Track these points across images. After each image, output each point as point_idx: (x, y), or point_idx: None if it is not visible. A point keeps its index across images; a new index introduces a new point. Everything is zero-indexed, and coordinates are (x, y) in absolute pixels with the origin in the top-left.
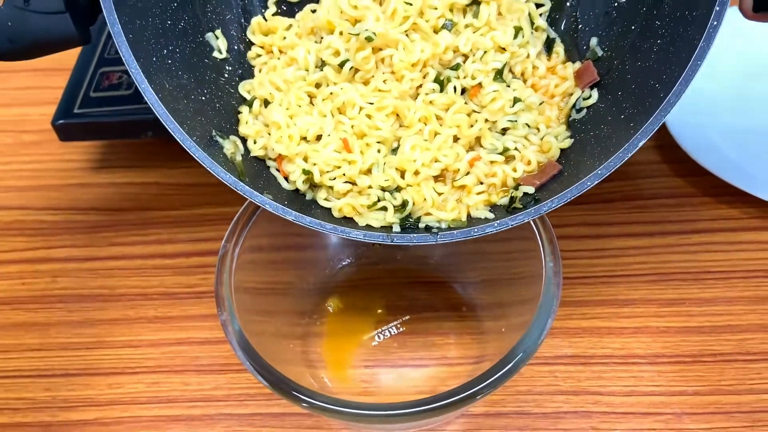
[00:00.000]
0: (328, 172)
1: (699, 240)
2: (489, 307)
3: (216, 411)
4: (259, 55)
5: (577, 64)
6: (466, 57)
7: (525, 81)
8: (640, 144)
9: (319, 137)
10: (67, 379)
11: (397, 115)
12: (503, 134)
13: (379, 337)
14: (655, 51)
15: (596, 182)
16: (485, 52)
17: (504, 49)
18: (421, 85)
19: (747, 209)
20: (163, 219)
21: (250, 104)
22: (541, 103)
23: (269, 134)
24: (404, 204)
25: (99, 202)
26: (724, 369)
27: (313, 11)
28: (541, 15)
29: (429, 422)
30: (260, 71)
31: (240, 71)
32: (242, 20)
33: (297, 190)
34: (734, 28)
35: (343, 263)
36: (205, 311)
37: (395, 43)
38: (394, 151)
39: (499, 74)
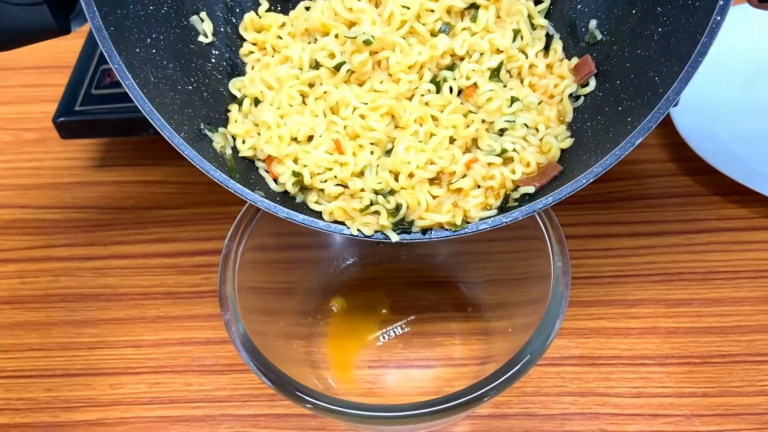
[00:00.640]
0: (318, 174)
1: (707, 240)
2: (495, 307)
3: (219, 412)
4: (251, 52)
5: (574, 60)
6: (462, 59)
7: (522, 80)
8: (637, 142)
9: (310, 138)
10: (68, 379)
11: (392, 116)
12: (501, 135)
13: (383, 337)
14: (655, 39)
15: (591, 180)
16: (481, 54)
17: (501, 51)
18: (417, 87)
19: (756, 208)
20: (165, 218)
21: (240, 102)
22: (539, 103)
23: (259, 134)
24: (398, 207)
25: (100, 201)
26: (733, 370)
27: (307, 8)
28: (540, 12)
29: (435, 424)
30: (252, 68)
31: (227, 54)
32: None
33: (287, 192)
34: (743, 26)
35: (347, 263)
36: (208, 311)
37: (392, 46)
38: (388, 153)
39: (495, 73)
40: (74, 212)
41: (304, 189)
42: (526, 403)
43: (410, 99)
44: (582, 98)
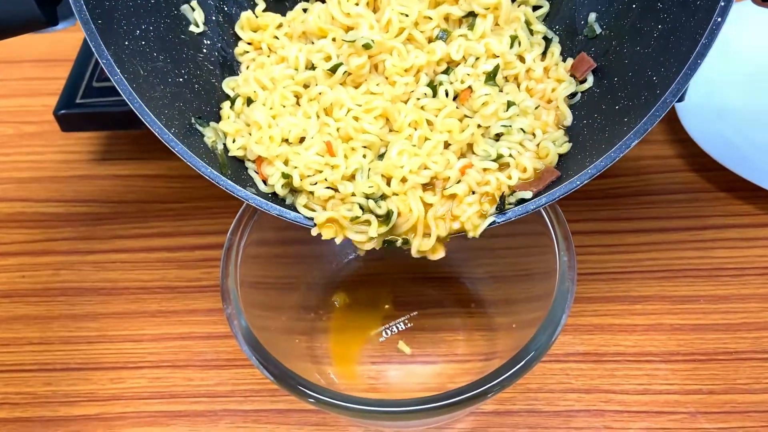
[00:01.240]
0: (309, 176)
1: (712, 236)
2: (499, 303)
3: (220, 407)
4: (246, 52)
5: (570, 61)
6: (459, 65)
7: (519, 85)
8: (633, 144)
9: (302, 140)
10: (68, 373)
11: (387, 119)
12: (497, 140)
13: (386, 332)
14: (655, 37)
15: (586, 181)
16: (477, 58)
17: (498, 56)
18: (413, 91)
19: (762, 205)
20: (166, 211)
21: (232, 101)
22: (536, 107)
23: (250, 134)
24: (389, 214)
25: (101, 194)
26: (739, 367)
27: (305, 10)
28: (538, 17)
29: (438, 420)
30: (247, 68)
31: (219, 44)
32: None
33: (276, 194)
34: (750, 22)
35: (350, 257)
36: (209, 305)
37: (390, 50)
38: (382, 157)
39: (490, 77)
40: (75, 206)
41: (293, 191)
42: (530, 400)
43: (406, 103)
44: (579, 95)
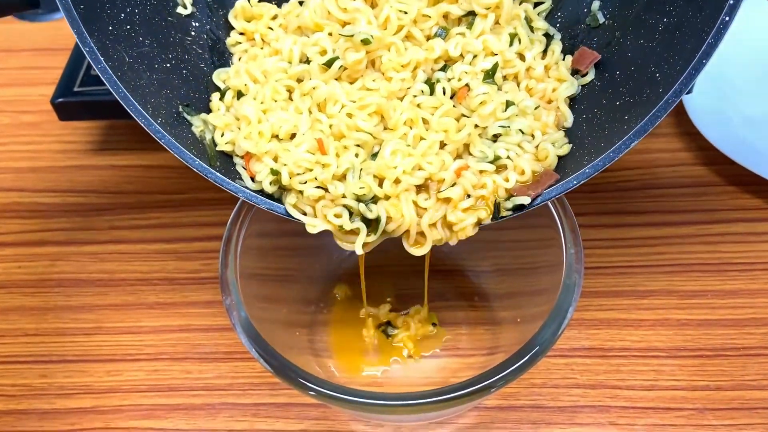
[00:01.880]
0: (298, 174)
1: (721, 230)
2: (503, 296)
3: (218, 400)
4: (238, 42)
5: (569, 59)
6: (456, 62)
7: (518, 84)
8: (633, 144)
9: (293, 136)
10: (64, 365)
11: (382, 117)
12: (495, 141)
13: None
14: (660, 30)
15: (582, 181)
16: (475, 56)
17: (496, 53)
18: (410, 87)
19: None
20: (165, 202)
21: (222, 93)
22: (536, 108)
23: (239, 128)
24: (377, 220)
25: (99, 185)
26: (747, 363)
27: (300, 3)
28: (540, 14)
29: (441, 414)
30: (239, 59)
31: (208, 26)
32: None
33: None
34: (759, 13)
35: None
36: (208, 297)
37: (388, 46)
38: (375, 156)
39: (489, 75)
40: (72, 196)
41: (282, 189)
42: (535, 395)
43: (402, 100)
44: (579, 88)
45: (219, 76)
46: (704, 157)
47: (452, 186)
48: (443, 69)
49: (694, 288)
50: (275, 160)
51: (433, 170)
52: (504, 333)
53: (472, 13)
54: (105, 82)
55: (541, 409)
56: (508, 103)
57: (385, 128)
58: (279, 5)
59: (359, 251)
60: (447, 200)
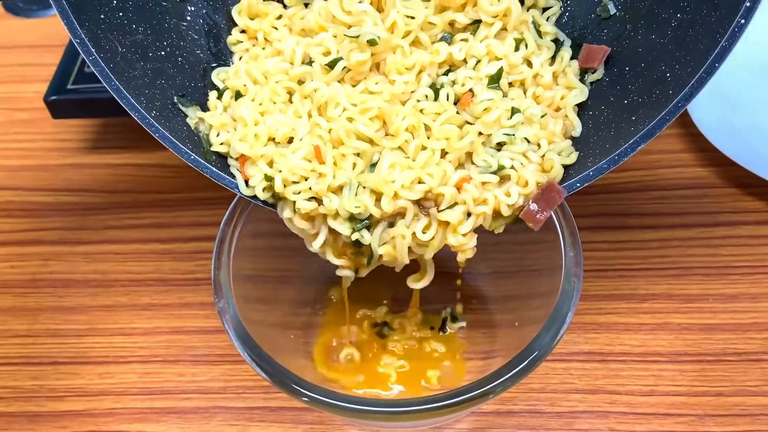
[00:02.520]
0: (293, 182)
1: (722, 233)
2: (501, 299)
3: (211, 404)
4: (240, 41)
5: (575, 65)
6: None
7: (525, 91)
8: (639, 148)
9: (291, 140)
10: (55, 367)
11: (384, 122)
12: (499, 150)
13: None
14: (672, 26)
15: (587, 183)
16: (479, 60)
17: (501, 58)
18: (414, 91)
19: None
20: (160, 202)
21: (220, 93)
22: (543, 116)
23: (235, 129)
24: (372, 255)
25: (93, 184)
26: (749, 369)
27: (306, 5)
28: (548, 19)
29: (438, 421)
30: (240, 59)
31: (204, 10)
32: None
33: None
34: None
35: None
36: (202, 299)
37: (394, 49)
38: (374, 165)
39: (494, 80)
40: (65, 195)
41: (276, 197)
42: (533, 400)
43: (405, 104)
44: (587, 93)
45: (218, 76)
46: (706, 158)
47: (452, 206)
48: (447, 74)
49: (696, 292)
50: (270, 164)
51: (433, 184)
52: (501, 337)
53: (478, 22)
54: (97, 74)
55: (539, 415)
56: (514, 111)
57: (386, 134)
58: (285, 7)
59: (347, 280)
60: (445, 224)
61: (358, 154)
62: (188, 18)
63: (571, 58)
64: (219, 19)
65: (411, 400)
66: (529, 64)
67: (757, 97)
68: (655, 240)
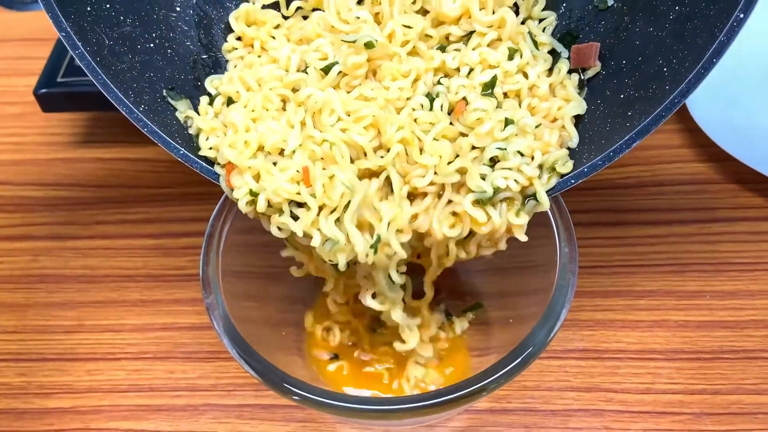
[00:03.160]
0: (277, 201)
1: (721, 229)
2: (494, 296)
3: (201, 401)
4: (235, 48)
5: (575, 78)
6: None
7: (520, 102)
8: (634, 144)
9: (282, 152)
10: (43, 364)
11: (378, 132)
12: (492, 165)
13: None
14: (671, 19)
15: (579, 182)
16: (472, 69)
17: (495, 67)
18: (410, 98)
19: None
20: (151, 197)
21: (212, 98)
22: (537, 126)
23: (225, 134)
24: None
25: (83, 178)
26: (746, 367)
27: (301, 10)
28: (544, 30)
29: (430, 419)
30: (234, 67)
31: (194, 1)
32: None
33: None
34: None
35: None
36: (193, 295)
37: (392, 56)
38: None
39: (487, 88)
40: (55, 190)
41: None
42: (527, 398)
43: (401, 111)
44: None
45: (212, 83)
46: (705, 154)
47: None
48: (440, 82)
49: (693, 288)
50: (257, 178)
51: (424, 227)
52: (495, 334)
53: (473, 33)
54: (83, 68)
55: (534, 413)
56: (507, 122)
57: (380, 143)
58: (285, 18)
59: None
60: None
61: (347, 187)
62: (177, 8)
63: (568, 34)
64: (209, 10)
65: (403, 398)
66: (525, 75)
67: (757, 92)
68: (652, 236)
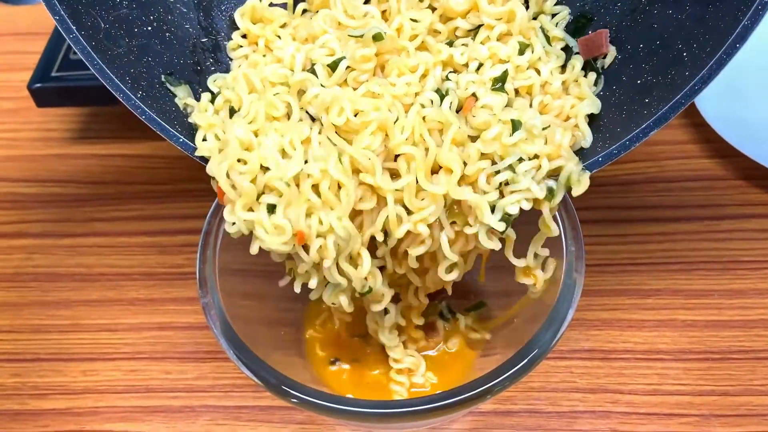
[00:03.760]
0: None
1: (729, 227)
2: (499, 295)
3: (198, 402)
4: (240, 46)
5: (591, 77)
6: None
7: (531, 100)
8: (652, 133)
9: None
10: (38, 364)
11: (386, 134)
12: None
13: None
14: (691, 1)
15: (595, 170)
16: (481, 64)
17: (505, 61)
18: (418, 94)
19: None
20: (147, 194)
21: (214, 97)
22: (545, 128)
23: (224, 132)
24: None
25: (78, 175)
26: (756, 367)
27: (305, 11)
28: (557, 24)
29: (434, 421)
30: (239, 66)
31: None
32: None
33: None
34: None
35: None
36: (190, 294)
37: (400, 51)
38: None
39: (497, 82)
40: (51, 186)
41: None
42: (532, 399)
43: (409, 108)
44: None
45: (215, 82)
46: (712, 149)
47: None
48: (449, 78)
49: (701, 287)
50: (250, 208)
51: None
52: (499, 333)
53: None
54: (78, 53)
55: (539, 415)
56: (515, 124)
57: (386, 146)
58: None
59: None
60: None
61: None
62: None
63: (582, 17)
64: None
65: (405, 401)
66: (537, 72)
67: (766, 86)
68: (659, 234)
